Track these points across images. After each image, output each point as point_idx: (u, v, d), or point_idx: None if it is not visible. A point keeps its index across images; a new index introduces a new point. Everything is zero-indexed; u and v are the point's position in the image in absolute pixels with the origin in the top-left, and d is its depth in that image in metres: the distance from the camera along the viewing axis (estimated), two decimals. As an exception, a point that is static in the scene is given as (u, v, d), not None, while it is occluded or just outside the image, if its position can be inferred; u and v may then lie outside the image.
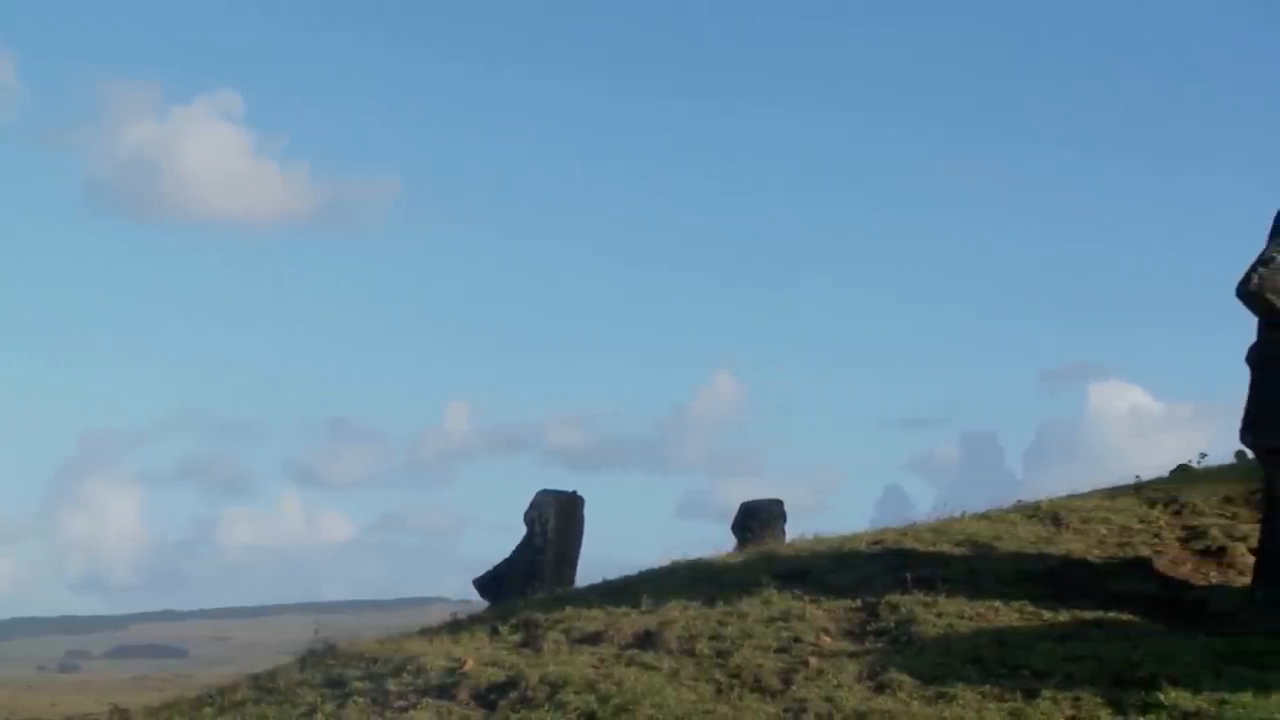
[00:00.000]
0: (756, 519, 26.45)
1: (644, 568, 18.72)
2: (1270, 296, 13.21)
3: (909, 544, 17.44)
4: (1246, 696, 11.23)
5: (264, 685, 15.37)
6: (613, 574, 18.75)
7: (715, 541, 23.58)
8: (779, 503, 27.65)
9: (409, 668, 14.45)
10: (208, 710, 15.05)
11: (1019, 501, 19.68)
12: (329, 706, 13.91)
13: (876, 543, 17.77)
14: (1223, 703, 11.17)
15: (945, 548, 17.12)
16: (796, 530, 23.65)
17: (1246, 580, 15.05)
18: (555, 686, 13.14)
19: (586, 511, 26.38)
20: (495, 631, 15.88)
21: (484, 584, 25.18)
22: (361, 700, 13.87)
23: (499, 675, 13.74)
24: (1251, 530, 16.20)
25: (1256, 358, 13.38)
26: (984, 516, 18.85)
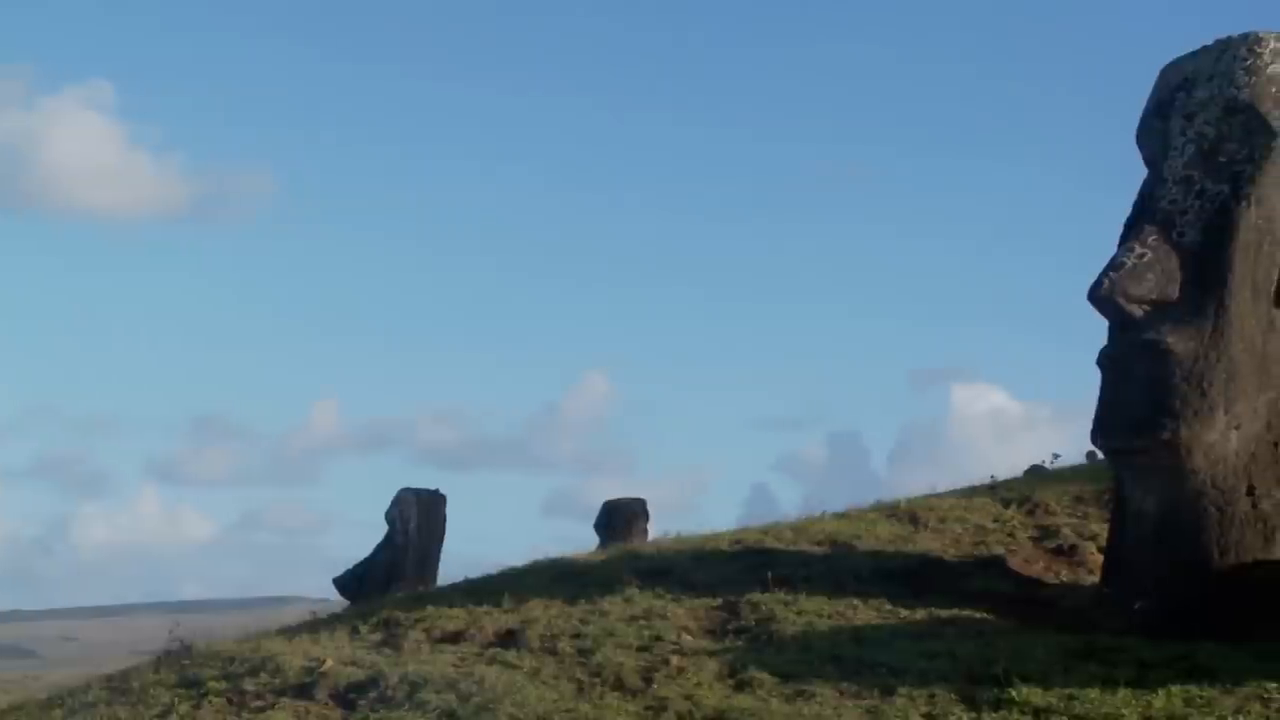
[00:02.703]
0: (619, 517, 26.58)
1: (509, 566, 18.67)
2: (1119, 300, 13.45)
3: (770, 543, 17.58)
4: (1094, 692, 11.46)
5: (116, 686, 15.04)
6: (478, 573, 18.67)
7: (580, 540, 23.62)
8: (641, 501, 27.80)
9: (266, 667, 14.23)
10: (57, 712, 14.70)
11: (878, 501, 19.95)
12: (184, 707, 13.66)
13: (738, 542, 17.89)
14: (1071, 698, 11.39)
15: (805, 546, 17.29)
16: (661, 529, 23.79)
17: (1096, 578, 15.38)
18: (415, 685, 13.03)
19: (453, 510, 26.39)
20: (355, 630, 15.70)
21: (344, 583, 24.99)
22: (217, 700, 13.64)
23: (358, 674, 13.59)
24: (1101, 529, 16.57)
25: (1106, 360, 13.65)
26: (844, 516, 19.06)
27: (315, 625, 17.25)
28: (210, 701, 13.64)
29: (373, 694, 13.10)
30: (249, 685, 13.83)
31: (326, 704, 13.20)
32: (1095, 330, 13.97)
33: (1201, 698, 11.25)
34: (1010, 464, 22.94)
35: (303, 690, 13.50)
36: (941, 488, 20.48)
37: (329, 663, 14.02)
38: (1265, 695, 11.18)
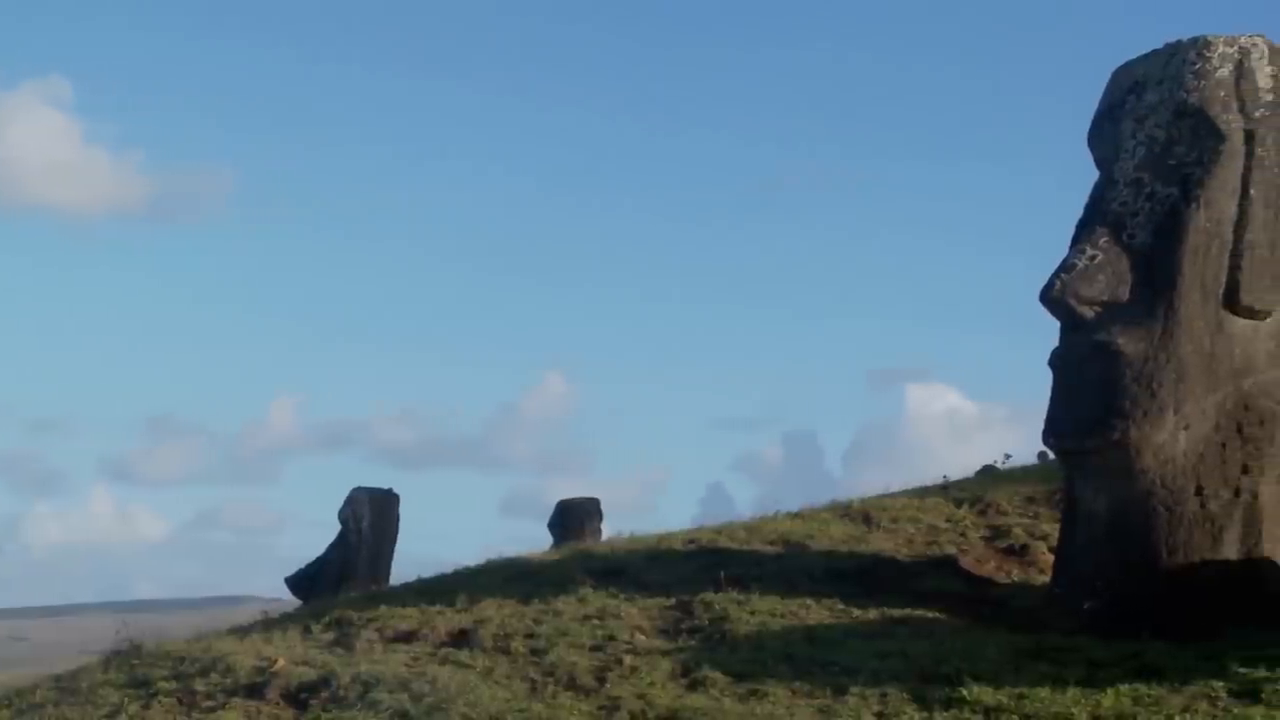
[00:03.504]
0: (573, 517, 26.58)
1: (462, 566, 18.65)
2: (1070, 301, 13.54)
3: (724, 543, 17.62)
4: (1044, 691, 11.53)
5: (65, 686, 14.93)
6: (431, 572, 18.65)
7: (535, 540, 23.62)
8: (595, 501, 27.82)
9: (218, 667, 14.16)
10: (5, 712, 14.56)
11: (833, 501, 20.04)
12: (133, 707, 13.57)
13: (691, 542, 17.92)
14: (1021, 697, 11.45)
15: (759, 546, 17.33)
16: (618, 528, 23.84)
17: (1046, 578, 15.47)
18: (368, 685, 12.99)
19: (408, 510, 26.34)
20: (307, 630, 15.65)
21: (297, 582, 24.90)
22: (167, 700, 13.55)
23: (310, 674, 13.54)
24: (1051, 529, 16.68)
25: (1058, 361, 13.74)
26: (797, 515, 19.13)
27: (267, 625, 17.17)
28: (160, 701, 13.55)
29: (325, 694, 13.05)
30: (199, 685, 13.75)
31: (278, 704, 13.14)
32: (1049, 331, 14.06)
33: (1150, 696, 11.33)
34: (963, 464, 23.15)
35: (254, 690, 13.44)
36: (895, 488, 20.61)
37: (281, 662, 13.95)
38: (1212, 694, 11.27)
